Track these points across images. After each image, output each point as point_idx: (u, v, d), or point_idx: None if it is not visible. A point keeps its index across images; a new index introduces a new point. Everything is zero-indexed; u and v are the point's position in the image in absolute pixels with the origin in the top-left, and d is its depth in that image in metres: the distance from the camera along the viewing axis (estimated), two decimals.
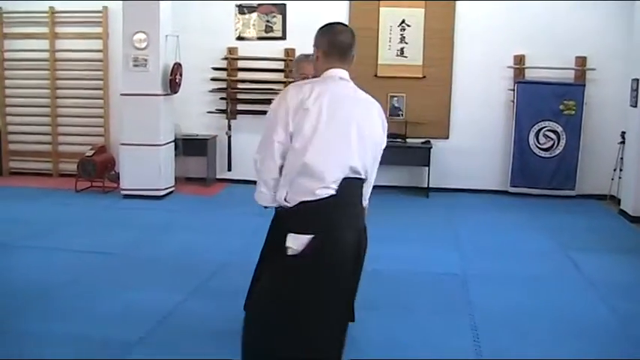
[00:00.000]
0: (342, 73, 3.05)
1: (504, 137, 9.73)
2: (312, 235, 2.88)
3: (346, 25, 3.15)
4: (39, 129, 10.63)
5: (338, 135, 2.90)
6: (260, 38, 10.09)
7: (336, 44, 3.05)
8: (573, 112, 9.36)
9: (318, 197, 2.87)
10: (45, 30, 10.35)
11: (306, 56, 4.15)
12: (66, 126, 10.59)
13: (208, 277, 5.73)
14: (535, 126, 9.48)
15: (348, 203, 2.96)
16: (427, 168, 9.58)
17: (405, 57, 9.76)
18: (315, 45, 3.12)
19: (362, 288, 3.31)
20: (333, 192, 2.88)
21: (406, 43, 9.73)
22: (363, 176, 3.02)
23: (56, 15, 10.31)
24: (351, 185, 2.95)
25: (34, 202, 8.89)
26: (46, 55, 10.40)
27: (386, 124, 3.16)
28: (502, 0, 9.49)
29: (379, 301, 4.99)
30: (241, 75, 10.15)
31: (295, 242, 2.91)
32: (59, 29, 10.35)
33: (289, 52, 9.95)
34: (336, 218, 2.90)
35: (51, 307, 4.97)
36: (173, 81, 8.95)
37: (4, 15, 10.46)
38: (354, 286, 3.18)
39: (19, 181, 10.33)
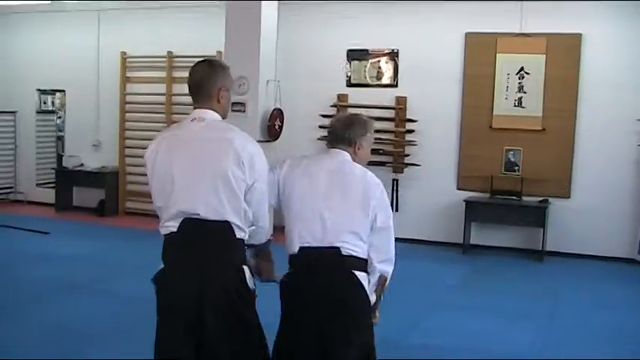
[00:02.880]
0: (199, 113, 3.07)
1: (634, 198, 8.63)
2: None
3: (205, 61, 3.22)
4: None
5: (168, 178, 2.97)
6: (371, 85, 9.71)
7: (190, 84, 3.12)
8: None
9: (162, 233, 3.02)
10: (163, 75, 10.59)
11: None
12: None
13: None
14: None
15: (188, 242, 2.92)
16: (542, 229, 8.66)
17: (523, 107, 8.96)
18: None
19: None
20: (173, 230, 2.94)
21: (524, 93, 8.94)
22: (205, 216, 2.90)
23: (174, 59, 10.53)
24: (192, 224, 2.91)
25: (133, 243, 9.00)
26: (162, 98, 10.62)
27: (249, 154, 3.02)
28: (633, 44, 8.51)
29: None
30: None
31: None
32: (176, 73, 10.54)
33: (400, 100, 9.49)
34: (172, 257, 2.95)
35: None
36: (272, 127, 8.72)
37: (128, 60, 10.82)
38: None
39: (130, 221, 10.56)
